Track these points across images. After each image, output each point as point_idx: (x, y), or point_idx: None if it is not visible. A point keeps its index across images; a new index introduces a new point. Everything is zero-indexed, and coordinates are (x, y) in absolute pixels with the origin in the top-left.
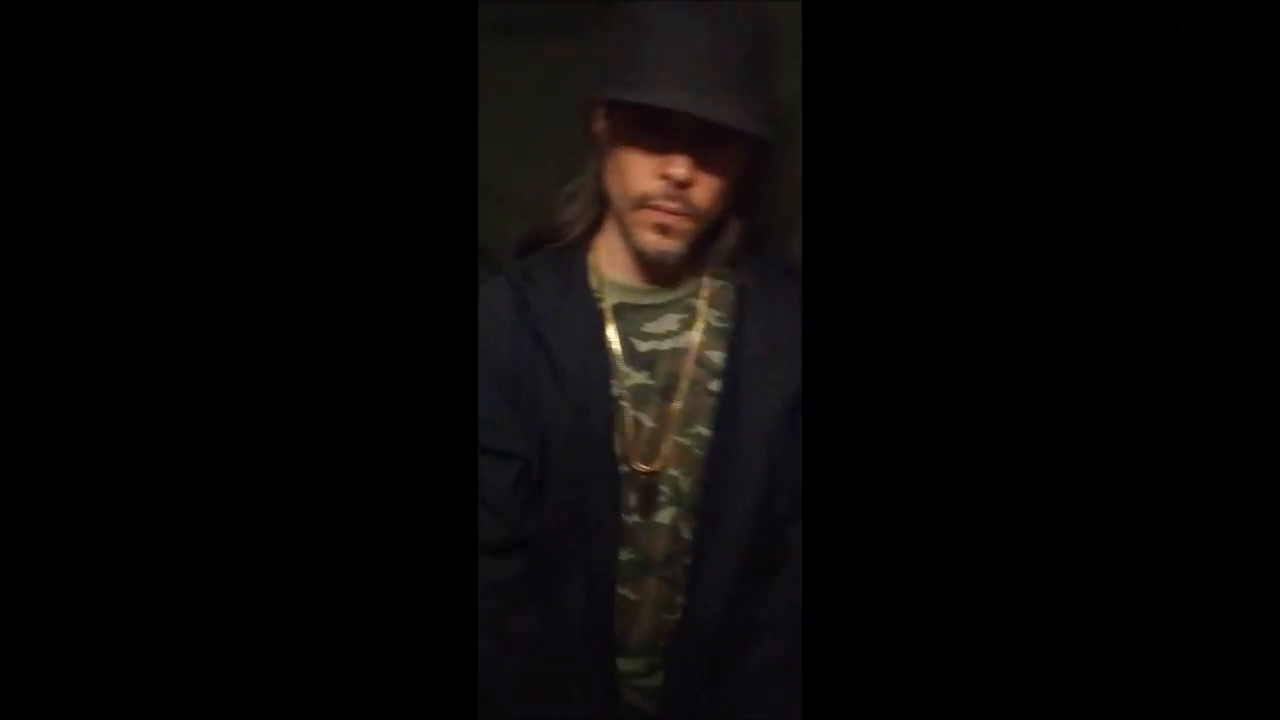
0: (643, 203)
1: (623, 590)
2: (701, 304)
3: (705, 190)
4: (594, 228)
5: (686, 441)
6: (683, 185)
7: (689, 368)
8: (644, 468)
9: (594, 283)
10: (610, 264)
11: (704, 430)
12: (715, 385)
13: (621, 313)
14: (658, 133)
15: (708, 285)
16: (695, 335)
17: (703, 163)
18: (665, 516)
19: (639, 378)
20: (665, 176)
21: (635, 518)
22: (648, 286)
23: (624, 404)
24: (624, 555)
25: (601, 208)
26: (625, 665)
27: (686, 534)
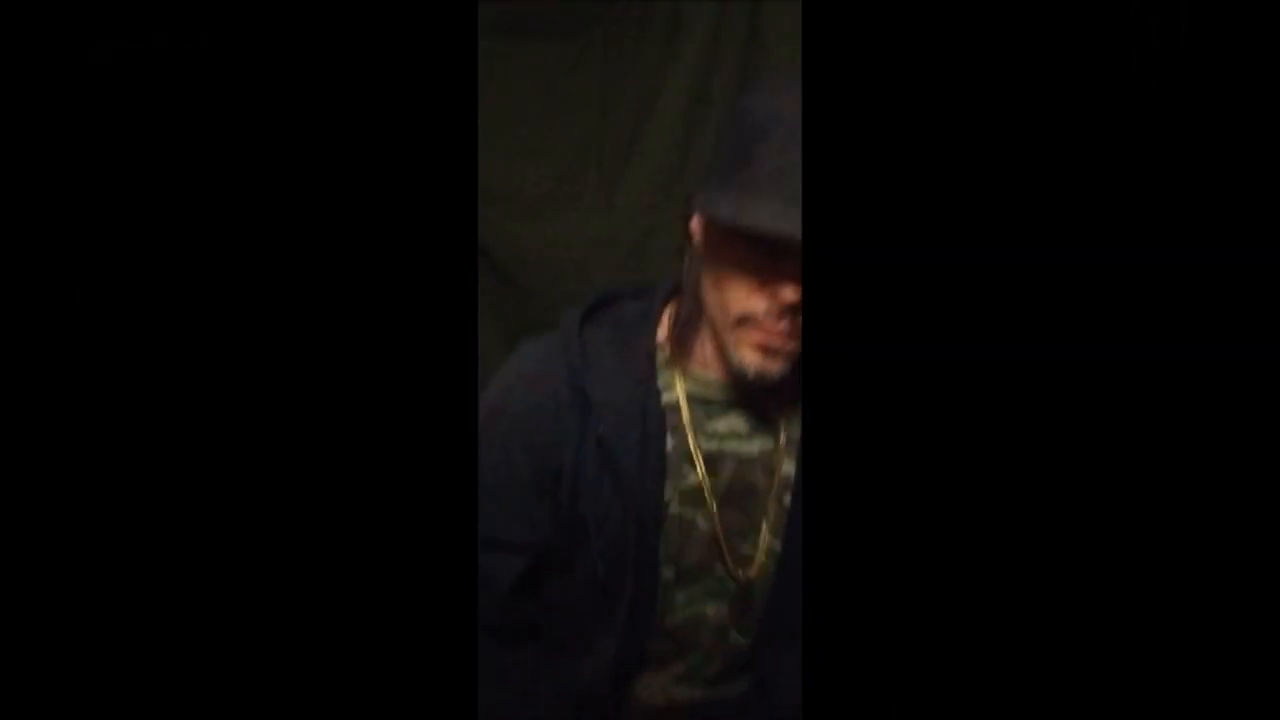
0: (745, 320)
1: (691, 514)
2: (771, 404)
3: None
4: (683, 334)
5: (764, 557)
6: (793, 308)
7: (756, 475)
8: (742, 575)
9: (661, 368)
10: (689, 359)
11: (776, 543)
12: (787, 499)
13: (684, 407)
14: (767, 252)
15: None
16: (763, 441)
17: None
18: (755, 447)
19: (694, 479)
20: (774, 298)
21: (687, 612)
22: (721, 386)
23: (676, 512)
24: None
25: (697, 317)
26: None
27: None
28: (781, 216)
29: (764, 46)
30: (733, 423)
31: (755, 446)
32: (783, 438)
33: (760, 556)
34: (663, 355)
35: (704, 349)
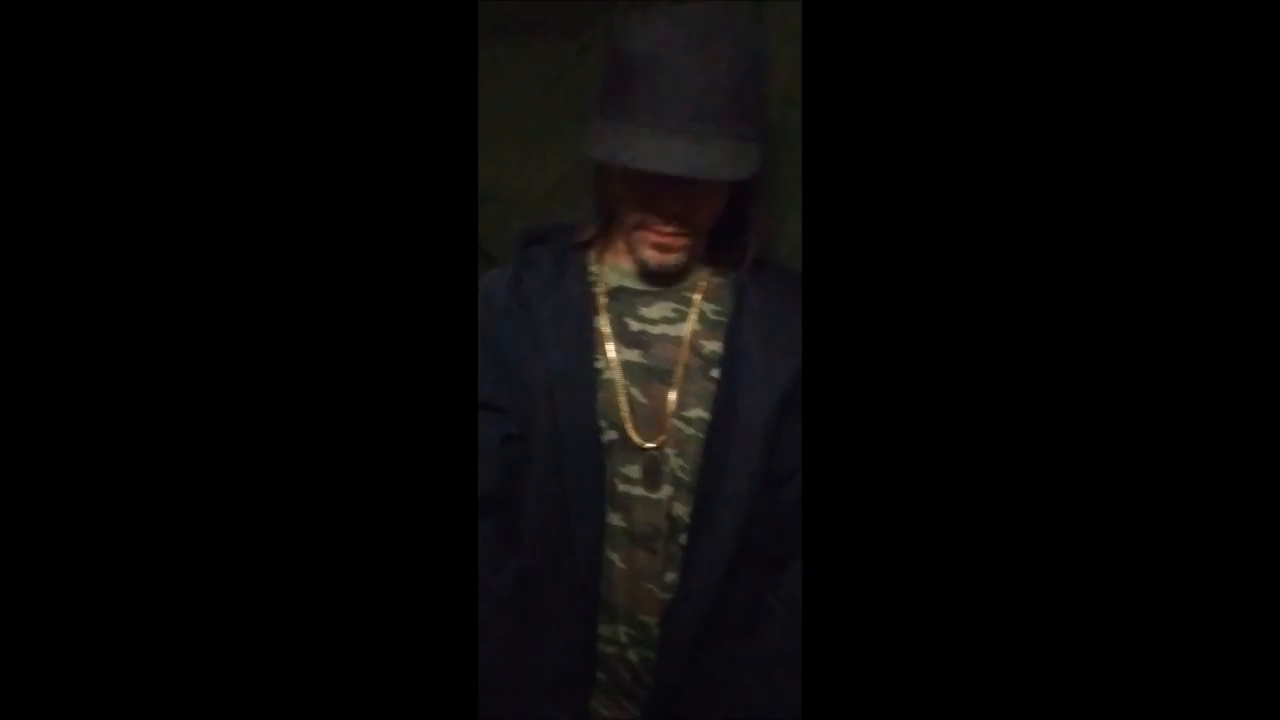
0: (641, 225)
1: (611, 555)
2: (697, 296)
3: (702, 212)
4: (599, 235)
5: (684, 425)
6: (678, 217)
7: (684, 354)
8: (648, 444)
9: (592, 268)
10: (613, 255)
11: (703, 414)
12: (714, 373)
13: (616, 295)
14: (649, 176)
15: (704, 280)
16: (689, 325)
17: (697, 191)
18: (663, 493)
19: (630, 355)
20: (660, 209)
21: (638, 490)
22: (645, 283)
23: (614, 378)
24: (614, 521)
25: (606, 218)
26: (606, 630)
27: (680, 512)
28: (657, 140)
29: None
30: (662, 309)
31: (684, 330)
32: (704, 319)
33: (687, 428)
34: (593, 255)
35: (616, 243)
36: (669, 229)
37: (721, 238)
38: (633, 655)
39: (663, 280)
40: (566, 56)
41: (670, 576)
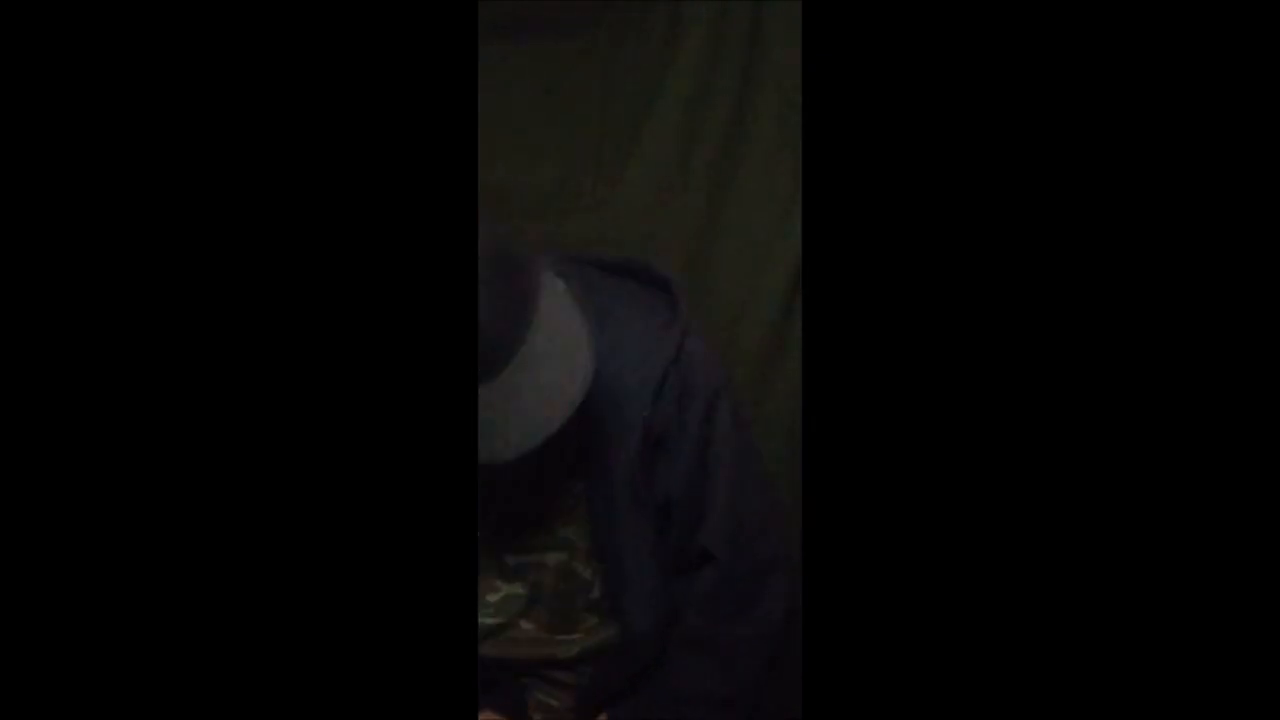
0: None
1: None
2: None
3: None
4: None
5: (558, 498)
6: None
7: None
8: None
9: None
10: None
11: (576, 484)
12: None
13: None
14: None
15: None
16: None
17: None
18: (552, 560)
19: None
20: None
21: (517, 559)
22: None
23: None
24: (515, 590)
25: None
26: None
27: (582, 571)
28: None
29: (764, 46)
30: None
31: None
32: None
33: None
34: None
35: None
36: None
37: None
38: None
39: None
40: (566, 56)
41: (586, 623)
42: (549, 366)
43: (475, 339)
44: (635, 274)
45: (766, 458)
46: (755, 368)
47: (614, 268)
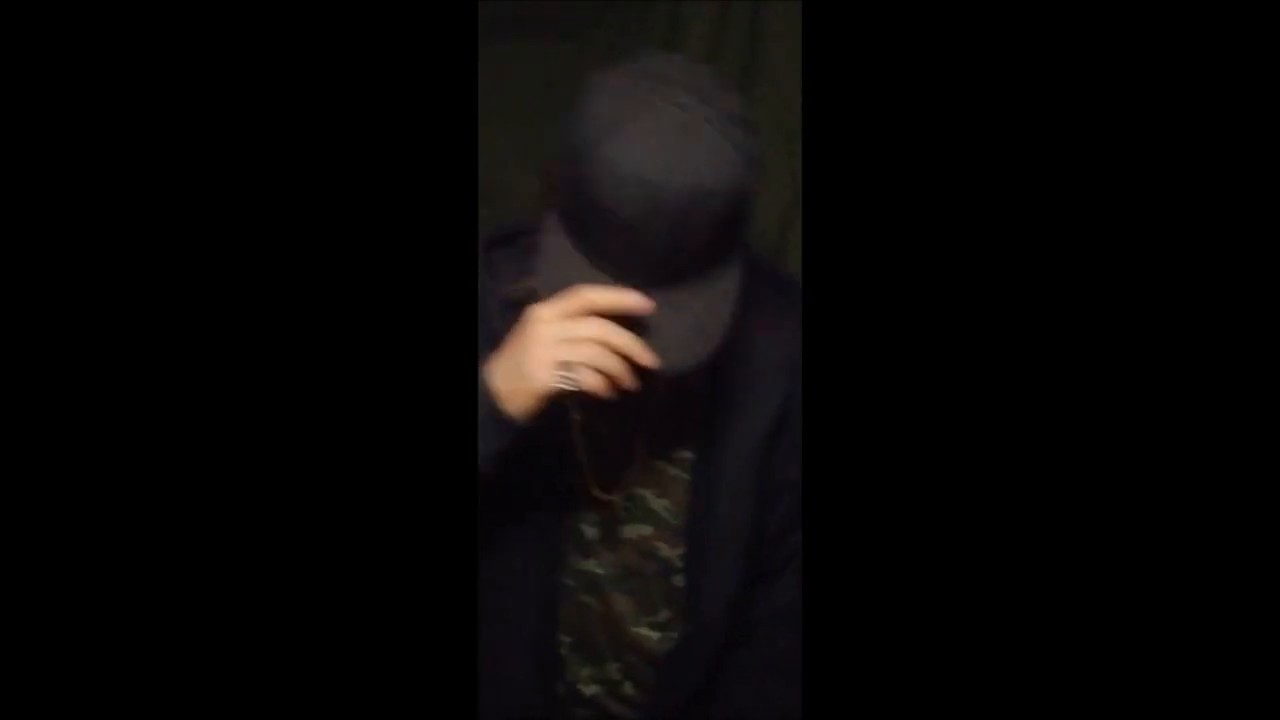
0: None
1: (586, 599)
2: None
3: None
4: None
5: (665, 465)
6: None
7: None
8: (602, 495)
9: None
10: None
11: (686, 454)
12: (680, 408)
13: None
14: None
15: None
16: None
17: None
18: (634, 533)
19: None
20: None
21: (595, 531)
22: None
23: (573, 415)
24: (585, 566)
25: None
26: (591, 671)
27: (668, 554)
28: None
29: (764, 46)
30: None
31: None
32: None
33: (669, 468)
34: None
35: None
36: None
37: None
38: (629, 688)
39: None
40: (566, 56)
41: (663, 614)
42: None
43: (475, 338)
44: (766, 276)
45: None
46: None
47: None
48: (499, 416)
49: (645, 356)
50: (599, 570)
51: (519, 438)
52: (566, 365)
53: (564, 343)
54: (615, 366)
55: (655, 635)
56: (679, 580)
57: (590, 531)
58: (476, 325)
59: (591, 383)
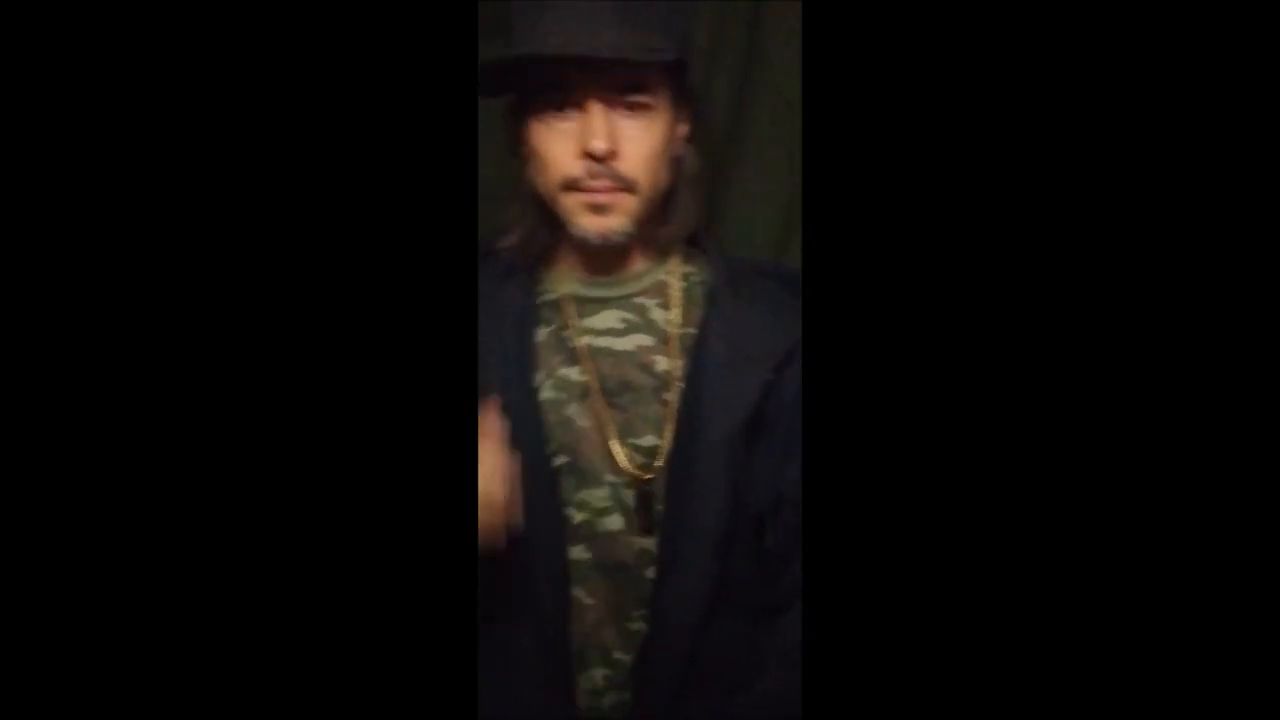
0: (570, 186)
1: (576, 591)
2: (651, 304)
3: (634, 161)
4: (544, 240)
5: (627, 450)
6: (605, 158)
7: (632, 372)
8: (615, 476)
9: (542, 276)
10: (565, 259)
11: (655, 440)
12: (667, 395)
13: (560, 305)
14: (567, 106)
15: (665, 283)
16: (639, 338)
17: (623, 131)
18: (613, 523)
19: (570, 373)
20: (586, 154)
21: (601, 520)
22: (597, 279)
23: (552, 396)
24: (577, 554)
25: (544, 217)
26: (581, 681)
27: (648, 544)
28: (565, 37)
29: (763, 46)
30: (608, 319)
31: (630, 343)
32: (663, 332)
33: (640, 457)
34: (543, 262)
35: (565, 247)
36: (601, 184)
37: (669, 220)
38: (609, 699)
39: (615, 266)
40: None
41: (640, 611)
42: None
43: (475, 338)
44: (771, 270)
45: None
46: None
47: (753, 263)
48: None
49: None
50: (589, 558)
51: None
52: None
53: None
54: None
55: (637, 628)
56: (651, 573)
57: (581, 518)
58: (476, 324)
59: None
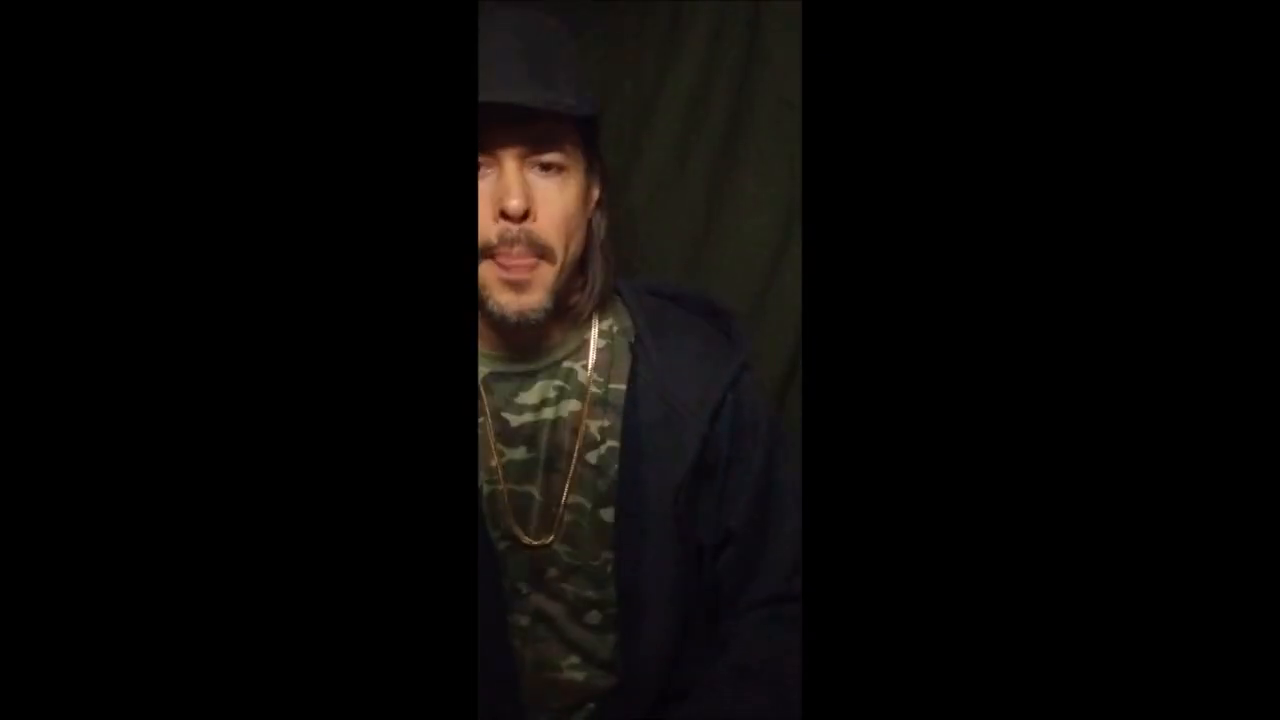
0: (488, 254)
1: (524, 651)
2: (578, 367)
3: (547, 224)
4: None
5: (570, 516)
6: (521, 218)
7: (568, 438)
8: (532, 541)
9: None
10: (481, 341)
11: (585, 503)
12: (593, 458)
13: (489, 385)
14: (481, 163)
15: (587, 343)
16: (572, 404)
17: (538, 192)
18: (554, 578)
19: (516, 454)
20: (501, 213)
21: (529, 588)
22: (516, 354)
23: (501, 483)
24: (520, 621)
25: None
26: None
27: (590, 594)
28: (487, 87)
29: (764, 46)
30: (541, 391)
31: (566, 410)
32: (588, 395)
33: (566, 517)
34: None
35: (485, 327)
36: (517, 251)
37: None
38: None
39: (532, 340)
40: None
41: (573, 660)
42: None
43: (475, 339)
44: (691, 304)
45: None
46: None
47: (671, 296)
48: None
49: None
50: (523, 624)
51: None
52: None
53: None
54: None
55: (577, 677)
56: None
57: (521, 586)
58: (476, 324)
59: None
